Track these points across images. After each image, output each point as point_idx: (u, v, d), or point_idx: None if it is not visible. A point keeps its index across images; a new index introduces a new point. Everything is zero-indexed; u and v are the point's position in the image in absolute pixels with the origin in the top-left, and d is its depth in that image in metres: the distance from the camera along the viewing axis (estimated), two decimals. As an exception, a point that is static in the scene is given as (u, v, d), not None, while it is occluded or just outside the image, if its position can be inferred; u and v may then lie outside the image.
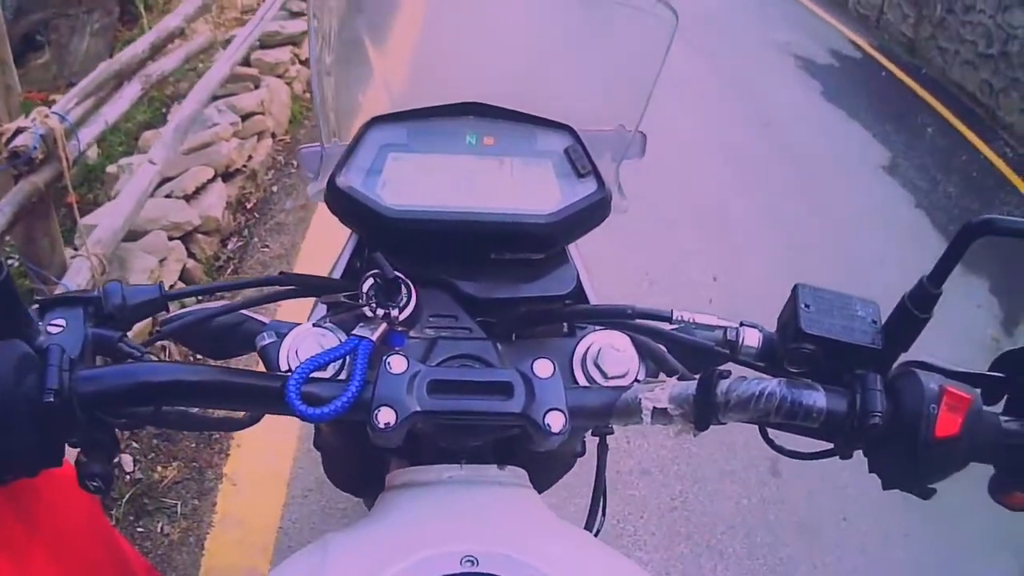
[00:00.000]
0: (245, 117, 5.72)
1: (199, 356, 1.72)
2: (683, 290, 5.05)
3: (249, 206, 5.41)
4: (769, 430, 1.03)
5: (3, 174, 3.12)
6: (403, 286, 1.07)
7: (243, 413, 1.21)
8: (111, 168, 4.94)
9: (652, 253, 5.32)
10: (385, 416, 0.92)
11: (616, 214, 1.28)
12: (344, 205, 1.19)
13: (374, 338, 1.02)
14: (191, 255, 4.56)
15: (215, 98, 5.41)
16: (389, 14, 1.56)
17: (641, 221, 4.98)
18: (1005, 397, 0.94)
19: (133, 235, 4.12)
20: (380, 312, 1.05)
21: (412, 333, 1.13)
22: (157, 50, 4.47)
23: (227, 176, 5.25)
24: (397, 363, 0.96)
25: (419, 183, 1.21)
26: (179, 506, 3.38)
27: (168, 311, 1.17)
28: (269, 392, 0.97)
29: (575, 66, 1.52)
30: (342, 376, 1.04)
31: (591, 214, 1.22)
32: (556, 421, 0.94)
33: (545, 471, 1.36)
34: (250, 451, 3.63)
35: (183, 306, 1.29)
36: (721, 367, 0.98)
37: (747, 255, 5.57)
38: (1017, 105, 8.46)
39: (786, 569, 3.42)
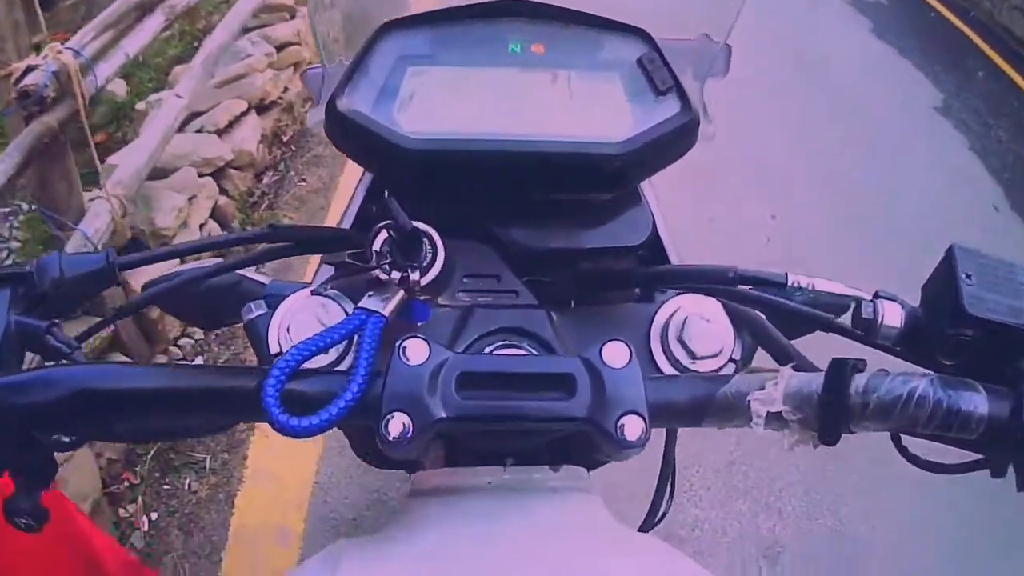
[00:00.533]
0: (280, 48, 5.51)
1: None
2: (741, 229, 4.89)
3: (285, 139, 5.25)
4: (904, 436, 0.79)
5: (15, 116, 2.92)
6: (425, 240, 0.86)
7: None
8: (140, 105, 4.77)
9: (705, 191, 5.11)
10: (397, 425, 0.70)
11: (703, 141, 1.02)
12: (349, 135, 0.94)
13: (386, 312, 0.79)
14: (223, 192, 4.41)
15: (248, 30, 5.21)
16: None
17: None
18: None
19: (161, 173, 3.95)
20: (396, 275, 0.82)
21: (441, 300, 0.92)
22: (184, -20, 4.25)
23: (261, 109, 5.08)
24: (415, 349, 0.73)
25: (447, 104, 0.95)
26: (208, 460, 3.25)
27: (119, 283, 0.94)
28: (240, 395, 0.75)
29: None
30: (347, 363, 0.83)
31: (674, 142, 0.96)
32: (633, 428, 0.72)
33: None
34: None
35: (150, 274, 1.05)
36: (855, 358, 0.75)
37: (803, 197, 5.40)
38: (1066, 54, 8.17)
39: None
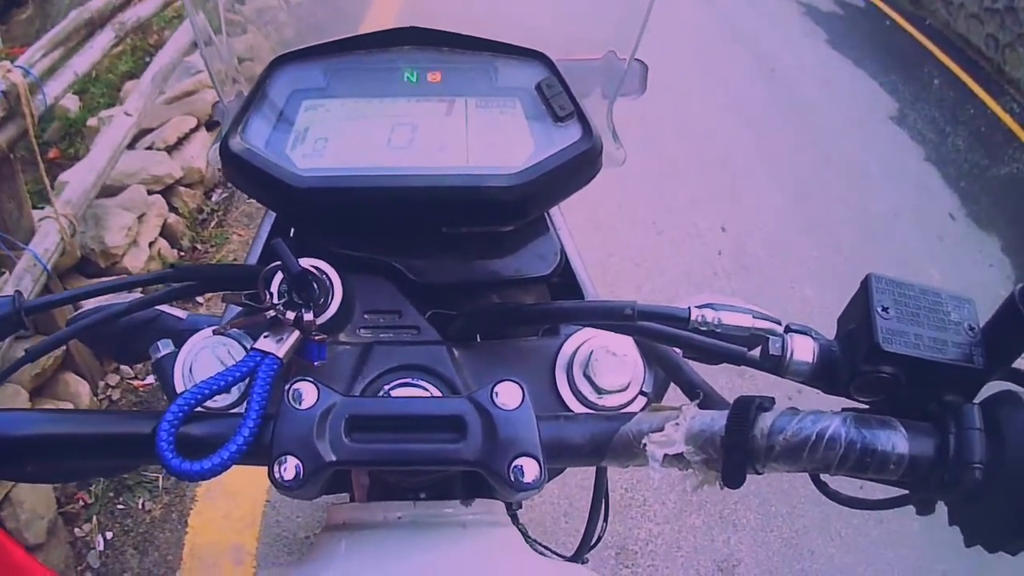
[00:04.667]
0: (231, 63, 5.47)
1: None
2: (692, 241, 4.89)
3: (236, 155, 5.18)
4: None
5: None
6: (324, 277, 0.84)
7: None
8: (92, 121, 4.75)
9: (658, 201, 5.13)
10: (290, 469, 0.70)
11: (610, 167, 0.99)
12: (244, 174, 0.91)
13: (281, 353, 0.79)
14: (173, 209, 4.40)
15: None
16: None
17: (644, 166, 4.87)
18: None
19: (111, 191, 3.95)
20: (290, 316, 0.80)
21: (342, 337, 0.90)
22: (134, -5, 4.21)
23: (211, 125, 5.01)
24: (305, 392, 0.73)
25: (342, 139, 0.92)
26: (160, 479, 3.23)
27: (26, 328, 0.92)
28: (138, 440, 0.75)
29: None
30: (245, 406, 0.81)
31: (574, 169, 0.93)
32: (529, 470, 0.71)
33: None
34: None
35: (56, 317, 1.03)
36: (761, 395, 0.74)
37: (756, 207, 5.42)
38: (1024, 61, 8.25)
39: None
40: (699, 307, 0.83)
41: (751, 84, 7.31)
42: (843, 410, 0.75)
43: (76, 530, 3.04)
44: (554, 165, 0.90)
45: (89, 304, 0.98)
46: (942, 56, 8.86)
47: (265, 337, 0.80)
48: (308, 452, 0.70)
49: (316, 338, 0.83)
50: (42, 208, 3.27)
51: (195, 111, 4.84)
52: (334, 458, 0.71)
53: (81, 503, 3.11)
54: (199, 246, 4.47)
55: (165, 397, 0.87)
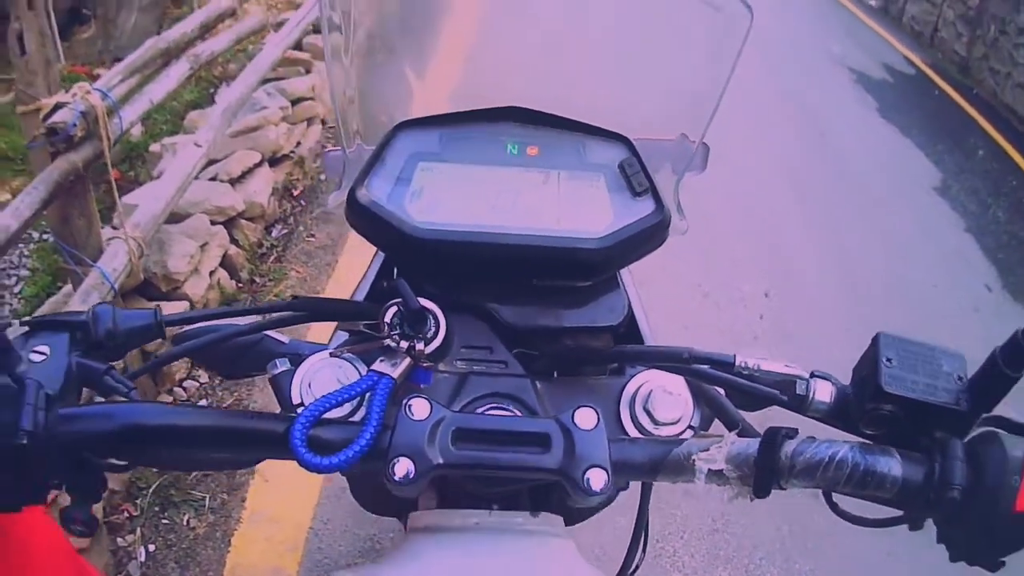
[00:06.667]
0: (295, 102, 5.66)
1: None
2: (736, 306, 4.97)
3: (296, 193, 5.36)
4: (834, 493, 0.92)
5: (40, 150, 3.02)
6: (430, 316, 0.99)
7: None
8: (154, 146, 4.89)
9: (704, 265, 5.23)
10: (403, 468, 0.82)
11: (675, 236, 1.15)
12: (367, 222, 1.06)
13: (395, 375, 0.92)
14: (234, 241, 4.49)
15: (265, 81, 5.33)
16: (419, 4, 1.40)
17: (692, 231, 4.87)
18: None
19: (175, 217, 4.05)
20: (404, 345, 0.95)
21: (441, 366, 1.03)
22: (207, 29, 4.39)
23: (274, 161, 5.19)
24: (419, 407, 0.86)
25: (452, 198, 1.08)
26: (207, 499, 3.32)
27: (164, 338, 1.07)
28: (272, 437, 0.88)
29: (634, 68, 1.34)
30: (359, 415, 0.95)
31: (647, 238, 1.09)
32: (597, 479, 0.84)
33: (583, 509, 1.24)
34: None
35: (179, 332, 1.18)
36: (787, 427, 0.88)
37: (799, 272, 5.51)
38: (1068, 132, 8.31)
39: None
40: (742, 355, 0.98)
41: (800, 148, 7.43)
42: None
43: (119, 540, 3.12)
44: (630, 233, 1.06)
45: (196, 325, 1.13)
46: (987, 126, 8.97)
47: (381, 361, 0.93)
48: (420, 455, 0.83)
49: (424, 365, 0.97)
50: (104, 228, 3.38)
51: (258, 146, 4.97)
52: (442, 461, 0.84)
53: (126, 514, 3.20)
54: (257, 279, 4.59)
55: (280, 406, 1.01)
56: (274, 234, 4.94)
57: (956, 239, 6.53)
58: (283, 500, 3.33)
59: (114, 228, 3.41)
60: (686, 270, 5.06)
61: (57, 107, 2.95)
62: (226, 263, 4.36)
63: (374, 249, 1.25)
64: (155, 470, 3.33)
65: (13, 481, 0.83)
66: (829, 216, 6.36)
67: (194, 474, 3.37)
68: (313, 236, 5.00)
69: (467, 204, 1.08)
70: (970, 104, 9.52)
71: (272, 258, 4.76)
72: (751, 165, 6.68)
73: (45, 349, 0.91)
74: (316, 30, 6.39)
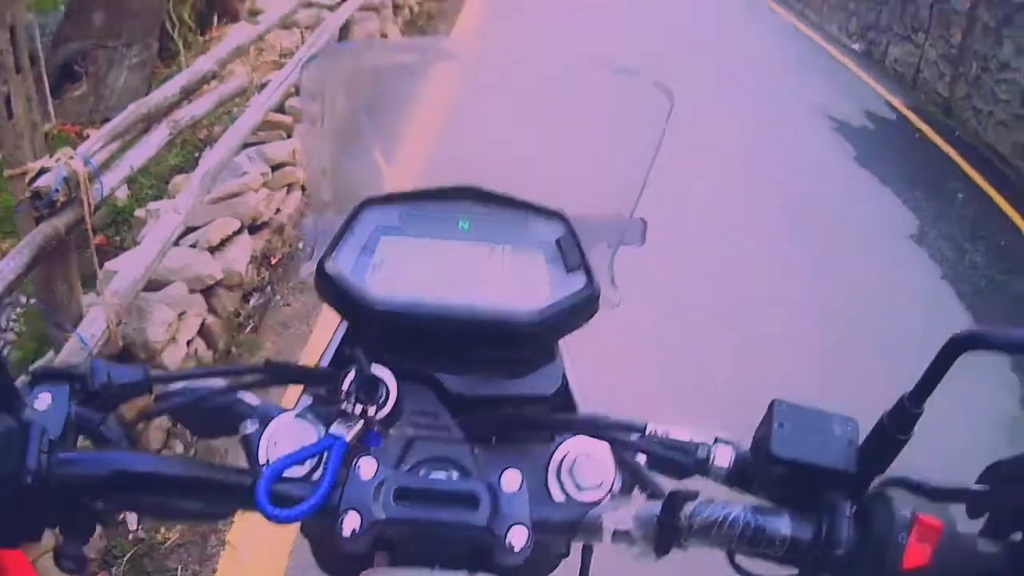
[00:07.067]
0: (275, 167, 5.72)
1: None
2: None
3: (274, 261, 5.43)
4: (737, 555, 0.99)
5: (26, 214, 3.11)
6: (382, 383, 1.06)
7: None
8: (139, 212, 4.95)
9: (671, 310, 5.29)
10: (350, 523, 0.91)
11: (605, 309, 1.24)
12: (332, 293, 1.16)
13: (348, 438, 1.00)
14: (212, 310, 4.56)
15: (246, 145, 5.40)
16: (386, 94, 1.54)
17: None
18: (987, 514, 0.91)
19: (154, 284, 4.12)
20: (358, 409, 1.03)
21: (392, 430, 1.11)
22: (189, 93, 4.47)
23: (253, 228, 5.25)
24: (366, 467, 0.94)
25: (408, 271, 1.19)
26: (179, 570, 3.39)
27: (151, 393, 1.17)
28: (240, 489, 0.96)
29: (575, 150, 1.49)
30: (318, 473, 1.02)
31: (579, 311, 1.18)
32: (518, 538, 0.92)
33: (526, 574, 1.34)
34: (256, 520, 3.54)
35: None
36: (688, 489, 0.96)
37: (772, 321, 5.57)
38: (1049, 168, 8.37)
39: None
40: (654, 422, 1.06)
41: (773, 201, 7.50)
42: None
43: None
44: (563, 307, 1.15)
45: (176, 385, 1.23)
46: (968, 169, 9.04)
47: (337, 424, 1.02)
48: (366, 511, 0.91)
49: (376, 429, 1.06)
50: (86, 293, 3.47)
51: (238, 213, 5.03)
52: (384, 517, 0.92)
53: (102, 582, 3.28)
54: (234, 349, 4.67)
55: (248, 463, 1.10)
56: (251, 303, 5.01)
57: (932, 288, 6.60)
58: (252, 571, 3.41)
59: (97, 294, 3.47)
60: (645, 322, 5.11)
61: (42, 171, 3.05)
62: (204, 332, 4.43)
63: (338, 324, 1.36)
64: (130, 536, 3.41)
65: (14, 519, 0.90)
66: (804, 270, 6.43)
67: (167, 544, 3.45)
68: (289, 305, 5.10)
69: (420, 277, 1.19)
70: (951, 146, 9.59)
71: (248, 328, 4.84)
72: (717, 228, 6.78)
73: (48, 397, 0.99)
74: (299, 92, 6.45)
